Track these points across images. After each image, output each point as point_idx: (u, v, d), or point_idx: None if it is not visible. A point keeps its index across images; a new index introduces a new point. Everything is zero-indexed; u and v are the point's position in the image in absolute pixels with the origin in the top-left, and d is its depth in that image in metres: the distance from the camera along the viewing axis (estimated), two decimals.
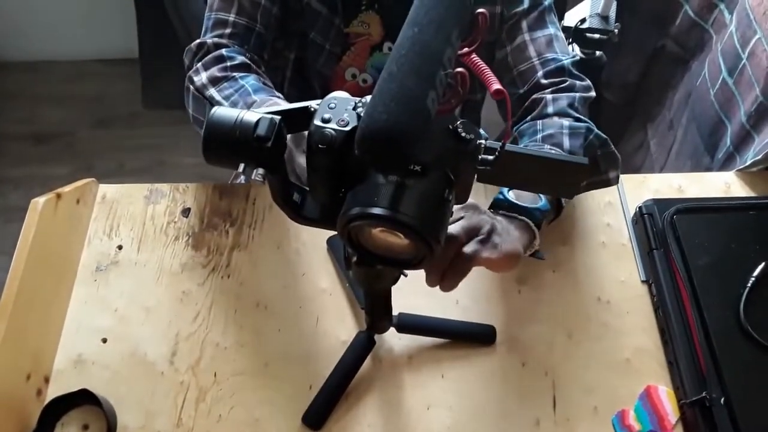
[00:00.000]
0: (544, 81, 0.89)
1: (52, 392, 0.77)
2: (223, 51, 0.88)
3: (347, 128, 0.49)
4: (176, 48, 1.11)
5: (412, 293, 0.82)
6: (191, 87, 0.88)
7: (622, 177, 0.96)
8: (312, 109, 0.52)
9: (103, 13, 2.06)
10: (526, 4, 0.92)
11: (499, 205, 0.75)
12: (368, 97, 0.49)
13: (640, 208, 0.90)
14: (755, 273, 0.82)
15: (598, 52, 1.47)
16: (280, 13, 0.93)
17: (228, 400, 0.77)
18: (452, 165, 0.48)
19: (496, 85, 0.47)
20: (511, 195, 0.75)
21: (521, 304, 0.85)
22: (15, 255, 0.77)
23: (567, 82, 0.89)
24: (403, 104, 0.41)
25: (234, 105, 0.81)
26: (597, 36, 1.41)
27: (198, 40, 0.90)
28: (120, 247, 0.89)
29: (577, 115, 0.86)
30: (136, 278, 0.87)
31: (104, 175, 1.21)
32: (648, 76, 1.58)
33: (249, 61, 0.88)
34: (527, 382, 0.79)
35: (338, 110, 0.50)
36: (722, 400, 0.73)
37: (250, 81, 0.84)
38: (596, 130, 0.83)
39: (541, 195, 0.76)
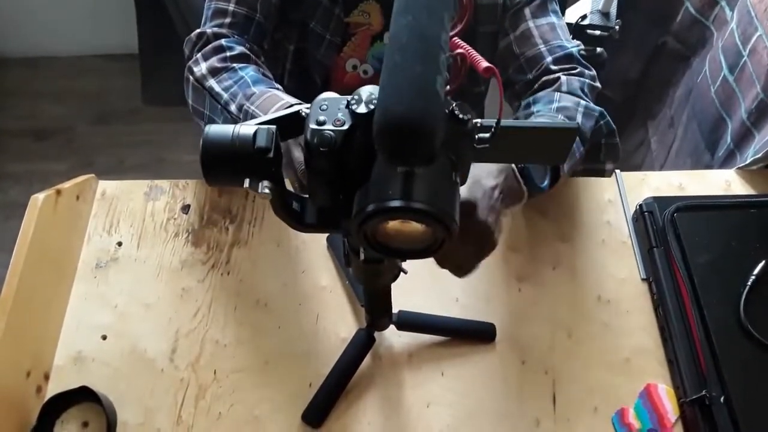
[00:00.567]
0: (553, 67, 0.90)
1: (52, 389, 0.77)
2: (223, 41, 0.88)
3: (344, 127, 0.48)
4: (176, 43, 1.11)
5: (412, 291, 0.82)
6: (191, 77, 0.87)
7: (623, 174, 0.96)
8: (303, 114, 0.51)
9: (102, 9, 2.05)
10: None
11: None
12: (361, 92, 0.48)
13: (640, 206, 0.90)
14: (755, 271, 0.82)
15: (598, 49, 1.46)
16: (280, 2, 0.93)
17: (228, 398, 0.77)
18: (453, 147, 0.48)
19: (484, 63, 0.47)
20: None
21: (521, 302, 0.85)
22: (14, 251, 0.77)
23: (577, 69, 0.90)
24: (417, 92, 0.40)
25: (233, 96, 0.82)
26: (598, 33, 1.41)
27: (198, 30, 0.90)
28: (120, 244, 0.89)
29: (589, 99, 0.87)
30: (135, 275, 0.87)
31: (104, 172, 1.21)
32: (649, 73, 1.57)
33: (248, 52, 0.89)
34: (527, 380, 0.79)
35: (331, 111, 0.49)
36: (722, 398, 0.73)
37: (249, 72, 0.84)
38: (608, 118, 0.85)
39: None
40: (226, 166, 0.50)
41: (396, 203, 0.43)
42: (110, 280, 0.86)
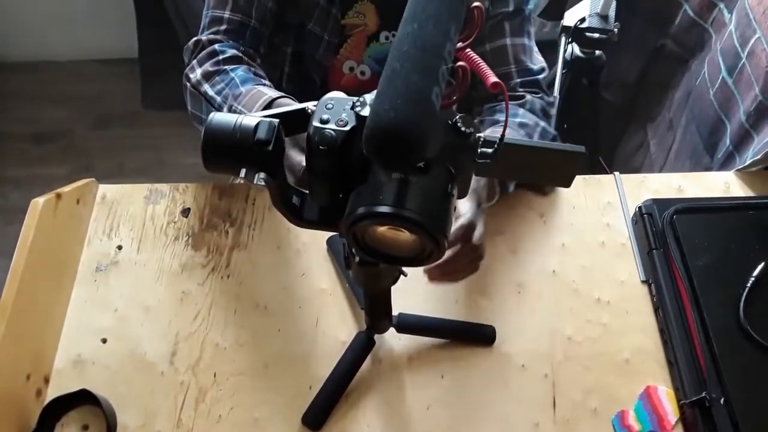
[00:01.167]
0: (519, 88, 0.96)
1: (52, 392, 0.77)
2: (216, 46, 0.90)
3: (347, 128, 0.48)
4: (176, 47, 1.11)
5: (412, 293, 0.82)
6: (188, 84, 0.90)
7: (622, 177, 0.96)
8: (309, 111, 0.52)
9: (102, 13, 2.06)
10: (510, 7, 0.94)
11: None
12: (366, 96, 0.49)
13: (639, 208, 0.90)
14: (755, 273, 0.82)
15: (597, 52, 1.46)
16: (276, 6, 0.94)
17: (228, 401, 0.77)
18: (453, 159, 0.48)
19: (493, 78, 0.47)
20: None
21: (521, 305, 0.85)
22: (15, 255, 0.77)
23: (539, 94, 0.96)
24: (409, 100, 0.41)
25: (225, 99, 0.84)
26: (597, 35, 1.41)
27: (195, 38, 0.92)
28: (120, 247, 0.89)
29: (547, 122, 0.93)
30: (135, 278, 0.87)
31: (104, 175, 1.21)
32: (648, 76, 1.58)
33: (241, 54, 0.91)
34: (527, 383, 0.79)
35: (336, 110, 0.50)
36: (722, 400, 0.73)
37: (239, 73, 0.87)
38: (558, 141, 0.88)
39: None
40: (225, 153, 0.51)
41: (386, 209, 0.44)
42: (110, 283, 0.86)
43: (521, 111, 0.92)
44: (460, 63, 0.46)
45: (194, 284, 0.86)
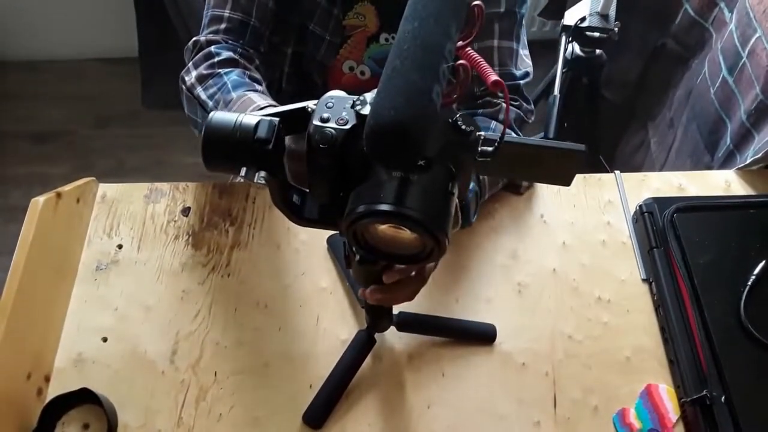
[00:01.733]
0: (499, 93, 0.94)
1: (53, 391, 0.77)
2: (212, 48, 0.89)
3: (347, 126, 0.48)
4: (176, 47, 1.11)
5: None
6: (183, 87, 0.89)
7: (623, 175, 0.96)
8: (310, 110, 0.52)
9: (102, 12, 2.06)
10: (502, 8, 0.92)
11: None
12: (366, 95, 0.49)
13: (640, 206, 0.90)
14: (756, 271, 0.82)
15: (598, 51, 1.46)
16: (276, 5, 0.94)
17: (228, 399, 0.77)
18: (454, 158, 0.48)
19: (494, 77, 0.47)
20: None
21: (522, 303, 0.85)
22: (15, 254, 0.77)
23: (517, 102, 0.96)
24: (409, 99, 0.41)
25: (216, 103, 0.83)
26: (597, 34, 1.41)
27: (194, 38, 0.91)
28: (120, 246, 0.89)
29: (519, 132, 0.94)
30: (136, 277, 0.87)
31: (104, 174, 1.21)
32: (648, 75, 1.58)
33: (236, 56, 0.89)
34: (528, 381, 0.79)
35: (336, 109, 0.50)
36: (723, 398, 0.73)
37: (232, 77, 0.85)
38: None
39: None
40: (225, 152, 0.51)
41: (386, 207, 0.44)
42: (111, 282, 0.86)
43: (493, 123, 0.91)
44: (461, 61, 0.46)
45: (194, 283, 0.86)
